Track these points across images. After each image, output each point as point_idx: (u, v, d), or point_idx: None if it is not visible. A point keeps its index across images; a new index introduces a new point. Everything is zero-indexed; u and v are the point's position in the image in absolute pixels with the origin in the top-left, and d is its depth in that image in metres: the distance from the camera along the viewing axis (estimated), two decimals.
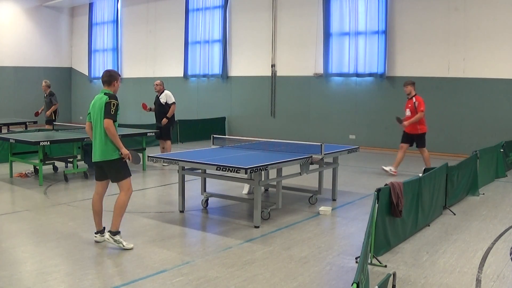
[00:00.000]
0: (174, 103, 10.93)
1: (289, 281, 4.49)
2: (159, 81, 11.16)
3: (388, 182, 5.31)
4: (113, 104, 5.20)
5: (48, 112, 12.69)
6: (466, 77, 12.58)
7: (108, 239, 5.30)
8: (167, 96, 10.91)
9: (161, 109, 10.92)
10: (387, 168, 9.84)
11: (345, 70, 14.56)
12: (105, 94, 5.34)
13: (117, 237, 5.29)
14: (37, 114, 13.31)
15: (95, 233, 5.59)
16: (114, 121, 5.25)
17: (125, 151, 5.34)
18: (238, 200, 7.43)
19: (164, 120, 10.81)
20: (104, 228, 5.58)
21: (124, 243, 5.29)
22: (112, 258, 5.12)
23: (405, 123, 9.60)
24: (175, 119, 11.61)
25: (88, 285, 4.33)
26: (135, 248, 5.32)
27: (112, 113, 5.19)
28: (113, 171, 5.37)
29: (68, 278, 4.52)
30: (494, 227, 6.27)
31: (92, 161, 5.46)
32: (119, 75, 5.64)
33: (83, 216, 6.68)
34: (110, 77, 5.44)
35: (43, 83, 13.10)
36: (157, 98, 10.98)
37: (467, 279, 4.53)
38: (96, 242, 5.52)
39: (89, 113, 5.46)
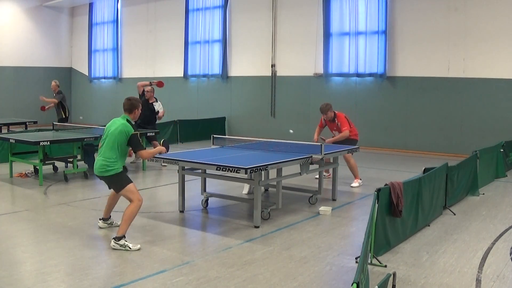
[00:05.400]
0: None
1: (289, 281, 4.49)
2: (149, 88, 11.03)
3: (388, 182, 5.31)
4: (138, 136, 5.60)
5: (50, 107, 12.90)
6: (466, 77, 12.57)
7: (114, 245, 5.29)
8: (160, 106, 10.98)
9: (152, 115, 10.90)
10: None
11: (345, 70, 14.55)
12: (127, 120, 5.58)
13: (121, 242, 5.29)
14: (43, 108, 13.20)
15: (100, 219, 6.11)
16: (144, 148, 5.66)
17: (161, 150, 5.86)
18: (238, 200, 7.42)
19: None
20: (110, 217, 6.06)
21: (130, 245, 5.28)
22: (112, 258, 5.12)
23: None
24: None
25: (88, 285, 4.33)
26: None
27: (141, 144, 5.61)
28: (112, 184, 5.62)
29: (68, 278, 4.52)
30: (494, 227, 6.27)
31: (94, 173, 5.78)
32: (140, 103, 5.87)
33: (83, 216, 6.67)
34: (131, 106, 5.69)
35: (53, 83, 13.18)
36: (148, 103, 10.78)
37: (467, 279, 4.53)
38: (100, 228, 6.03)
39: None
